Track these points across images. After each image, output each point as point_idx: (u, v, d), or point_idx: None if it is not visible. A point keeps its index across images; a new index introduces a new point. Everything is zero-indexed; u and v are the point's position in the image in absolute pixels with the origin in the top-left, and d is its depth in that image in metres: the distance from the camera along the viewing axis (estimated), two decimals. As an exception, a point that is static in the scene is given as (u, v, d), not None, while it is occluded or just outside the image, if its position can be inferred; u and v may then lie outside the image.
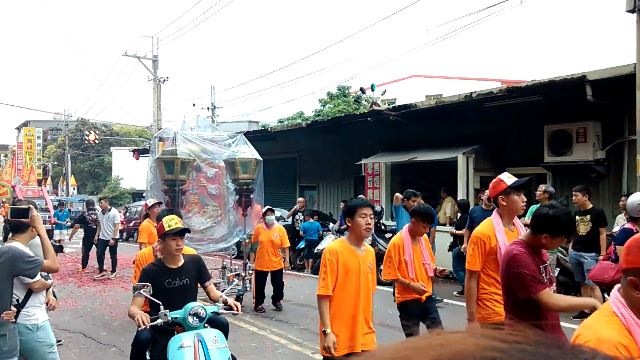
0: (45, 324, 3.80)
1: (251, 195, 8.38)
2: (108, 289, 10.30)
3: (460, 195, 10.81)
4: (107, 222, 11.75)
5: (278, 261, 8.22)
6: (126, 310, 8.40)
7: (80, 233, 13.58)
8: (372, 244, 10.76)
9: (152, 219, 7.25)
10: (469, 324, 3.55)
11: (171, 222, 3.67)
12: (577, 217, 7.43)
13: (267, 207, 8.61)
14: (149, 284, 3.51)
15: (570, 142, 9.48)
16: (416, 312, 4.65)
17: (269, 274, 8.21)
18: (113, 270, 11.92)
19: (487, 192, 8.74)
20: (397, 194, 8.70)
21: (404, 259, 4.62)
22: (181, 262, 3.79)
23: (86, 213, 13.12)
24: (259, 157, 8.37)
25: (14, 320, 3.27)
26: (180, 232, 3.71)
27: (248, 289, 8.32)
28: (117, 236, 12.07)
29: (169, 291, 3.66)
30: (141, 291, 3.50)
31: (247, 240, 8.79)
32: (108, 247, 11.83)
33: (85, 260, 12.83)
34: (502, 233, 3.63)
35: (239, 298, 7.88)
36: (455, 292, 9.39)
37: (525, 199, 3.74)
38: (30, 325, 3.64)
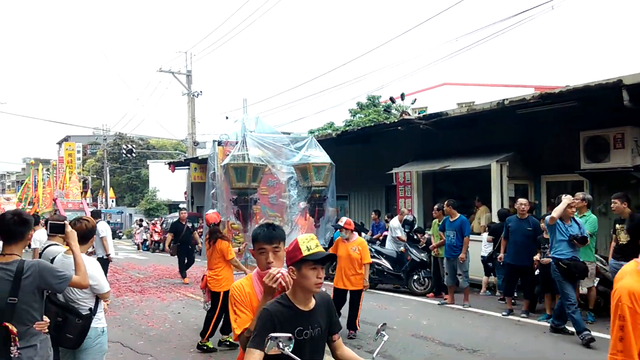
0: (106, 330, 4.05)
1: (324, 204, 7.52)
2: (145, 299, 10.51)
3: (495, 204, 10.65)
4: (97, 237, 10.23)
5: (358, 279, 7.17)
6: (163, 319, 8.63)
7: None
8: (404, 254, 10.70)
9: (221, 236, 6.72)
10: None
11: (310, 243, 2.56)
12: (617, 226, 7.24)
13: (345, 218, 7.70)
14: (291, 335, 2.37)
15: (608, 148, 9.24)
16: None
17: (348, 293, 7.28)
18: None
19: (521, 200, 8.61)
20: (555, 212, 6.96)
21: None
22: (312, 302, 2.64)
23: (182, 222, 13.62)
24: (332, 162, 7.58)
25: (46, 330, 3.37)
26: (323, 260, 2.57)
27: None
28: (110, 252, 10.56)
29: (298, 345, 2.50)
30: (280, 343, 2.32)
31: None
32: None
33: (182, 270, 13.28)
34: None
35: None
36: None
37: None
38: (100, 328, 3.94)
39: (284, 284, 2.61)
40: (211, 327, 6.70)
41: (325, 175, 7.42)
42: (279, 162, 7.56)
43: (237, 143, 7.48)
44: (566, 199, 6.99)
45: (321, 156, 7.50)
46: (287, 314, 2.54)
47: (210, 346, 6.67)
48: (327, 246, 8.05)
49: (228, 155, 7.40)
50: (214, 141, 8.04)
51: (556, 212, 6.91)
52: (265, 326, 2.47)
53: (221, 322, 6.81)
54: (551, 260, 7.07)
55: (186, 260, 13.55)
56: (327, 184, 7.50)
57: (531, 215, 8.64)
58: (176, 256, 13.76)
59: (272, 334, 2.37)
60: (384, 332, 2.90)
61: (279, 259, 2.74)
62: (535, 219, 8.41)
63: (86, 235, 4.01)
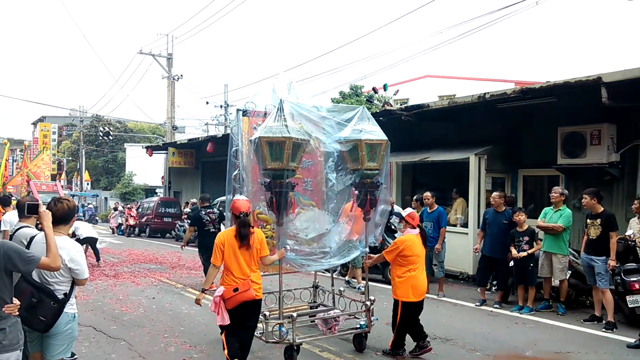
0: (77, 316, 3.98)
1: (376, 192, 6.02)
2: (119, 284, 10.39)
3: (472, 197, 10.75)
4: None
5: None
6: (137, 304, 8.54)
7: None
8: (382, 245, 10.73)
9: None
10: None
11: None
12: (588, 221, 7.38)
13: (409, 209, 6.47)
14: None
15: (584, 145, 9.39)
16: None
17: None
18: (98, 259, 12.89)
19: (494, 193, 8.70)
20: None
21: None
22: None
23: (202, 212, 9.99)
24: (388, 139, 6.07)
25: (16, 313, 3.29)
26: None
27: (374, 322, 6.18)
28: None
29: None
30: None
31: (368, 254, 6.35)
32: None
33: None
34: None
35: (361, 339, 6.09)
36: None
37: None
38: (71, 314, 3.85)
39: None
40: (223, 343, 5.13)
41: (380, 155, 5.92)
42: (323, 137, 6.03)
43: (266, 114, 6.14)
44: None
45: (376, 131, 5.97)
46: None
47: None
48: (378, 246, 7.10)
49: (255, 128, 6.04)
50: (238, 110, 6.35)
51: None
52: None
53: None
54: None
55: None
56: (380, 167, 6.01)
57: (509, 208, 8.74)
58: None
59: None
60: None
61: None
62: (511, 212, 8.51)
63: (67, 216, 3.92)
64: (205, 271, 9.67)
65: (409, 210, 6.12)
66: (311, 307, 7.06)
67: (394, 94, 21.47)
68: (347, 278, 9.98)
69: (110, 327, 7.07)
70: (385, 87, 19.24)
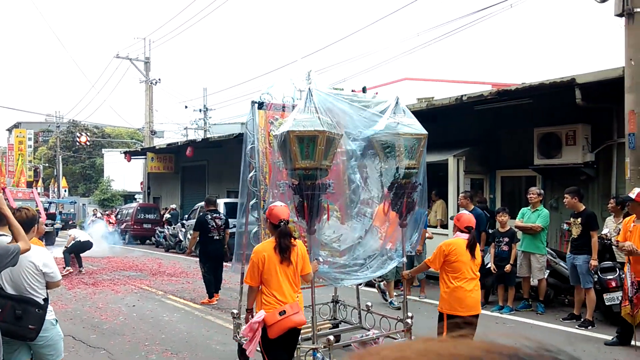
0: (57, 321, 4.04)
1: (414, 194, 5.40)
2: (98, 292, 10.24)
3: (451, 198, 10.84)
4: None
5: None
6: (117, 312, 8.43)
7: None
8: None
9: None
10: None
11: None
12: (571, 219, 7.50)
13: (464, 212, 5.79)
14: None
15: (560, 145, 9.55)
16: None
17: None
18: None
19: (461, 194, 8.79)
20: None
21: None
22: None
23: (208, 216, 9.21)
24: (426, 132, 5.38)
25: None
26: None
27: None
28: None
29: None
30: None
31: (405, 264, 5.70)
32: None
33: (210, 287, 9.13)
34: None
35: None
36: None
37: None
38: (52, 320, 3.89)
39: None
40: None
41: (419, 152, 5.27)
42: (354, 131, 5.32)
43: (284, 107, 5.47)
44: None
45: (413, 124, 5.27)
46: None
47: None
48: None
49: (272, 122, 5.41)
50: (253, 102, 5.46)
51: None
52: None
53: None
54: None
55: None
56: (419, 165, 5.35)
57: (478, 207, 8.84)
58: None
59: None
60: None
61: None
62: (480, 211, 8.63)
63: (27, 224, 3.88)
64: (206, 282, 9.17)
65: (465, 214, 5.41)
66: (332, 326, 6.36)
67: (373, 97, 21.57)
68: (389, 299, 8.58)
69: (89, 336, 6.96)
70: (364, 90, 19.28)
